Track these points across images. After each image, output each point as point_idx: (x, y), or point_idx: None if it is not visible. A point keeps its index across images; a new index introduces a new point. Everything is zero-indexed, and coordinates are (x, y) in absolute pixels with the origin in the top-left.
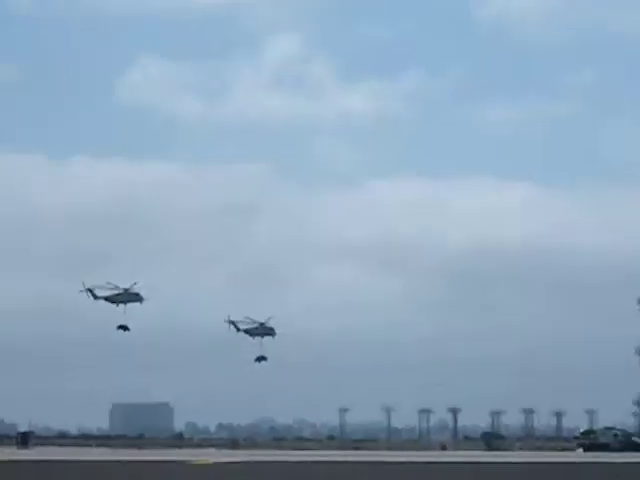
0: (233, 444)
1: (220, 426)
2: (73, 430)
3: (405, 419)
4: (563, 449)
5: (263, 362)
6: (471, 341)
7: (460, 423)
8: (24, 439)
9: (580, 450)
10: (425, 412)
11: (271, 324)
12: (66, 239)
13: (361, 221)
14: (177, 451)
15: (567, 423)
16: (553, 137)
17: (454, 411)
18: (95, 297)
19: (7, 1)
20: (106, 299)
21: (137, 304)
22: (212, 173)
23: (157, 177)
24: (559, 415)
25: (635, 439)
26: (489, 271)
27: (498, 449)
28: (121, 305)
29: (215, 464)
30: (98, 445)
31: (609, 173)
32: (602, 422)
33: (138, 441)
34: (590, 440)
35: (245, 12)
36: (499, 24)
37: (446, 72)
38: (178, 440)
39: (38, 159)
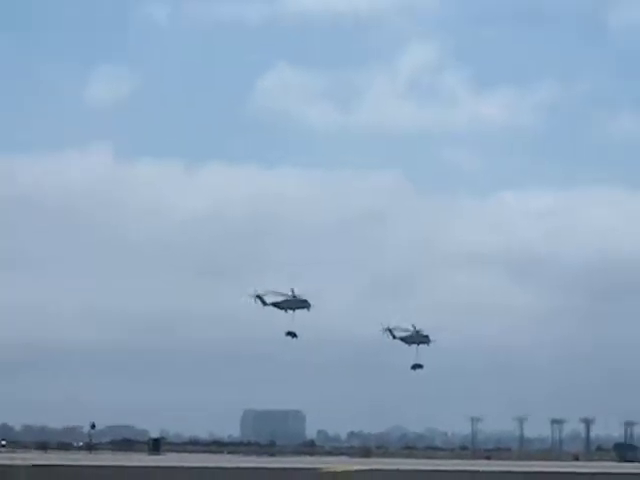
0: (365, 452)
1: (351, 434)
2: (204, 436)
3: (537, 429)
4: None
5: (419, 370)
6: (604, 351)
7: (593, 433)
8: (156, 445)
9: None
10: (558, 422)
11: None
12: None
13: (491, 230)
14: (309, 459)
15: None
16: None
17: (587, 421)
18: (264, 303)
19: (147, 13)
20: (275, 305)
21: (304, 310)
22: (346, 180)
23: (291, 183)
24: None
25: None
26: (621, 282)
27: (632, 461)
28: (289, 311)
29: (345, 472)
30: (229, 452)
31: None
32: None
33: (269, 448)
34: None
35: (379, 21)
36: (633, 34)
37: (579, 81)
38: (309, 447)
39: (174, 164)
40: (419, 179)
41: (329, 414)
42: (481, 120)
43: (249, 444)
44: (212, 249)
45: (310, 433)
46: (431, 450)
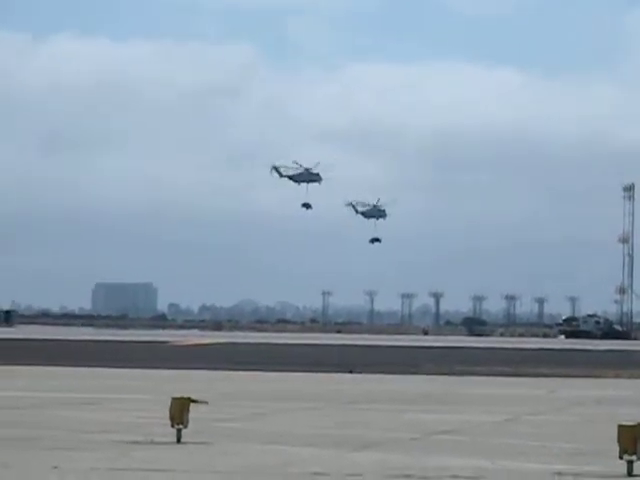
0: (216, 326)
1: (203, 308)
2: (55, 309)
3: (387, 303)
4: (544, 335)
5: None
6: (453, 225)
7: (442, 308)
8: (7, 317)
9: (562, 337)
10: (407, 297)
11: None
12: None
13: (339, 104)
14: (160, 332)
15: (549, 310)
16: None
17: (436, 296)
18: (280, 175)
19: None
20: (290, 178)
21: (316, 184)
22: (197, 54)
23: (141, 56)
24: (541, 302)
25: (616, 327)
26: (467, 156)
27: (479, 334)
28: (303, 184)
29: (196, 345)
30: (82, 325)
31: (594, 63)
32: (584, 310)
33: (121, 321)
34: (572, 327)
35: None
36: None
37: None
38: (161, 321)
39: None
40: (271, 54)
41: (181, 287)
42: None
43: (101, 317)
44: (56, 123)
45: (162, 307)
46: (282, 323)
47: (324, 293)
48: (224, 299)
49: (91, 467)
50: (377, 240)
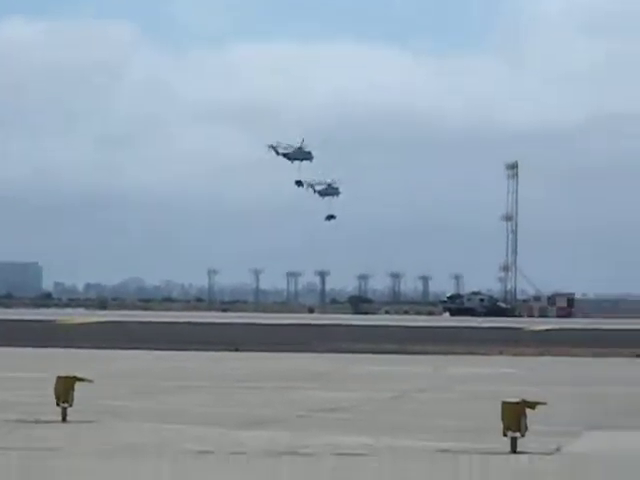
0: (101, 304)
1: (88, 286)
2: None
3: (273, 282)
4: (429, 313)
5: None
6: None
7: (328, 286)
8: None
9: (446, 314)
10: (293, 275)
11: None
12: None
13: (226, 83)
14: (45, 310)
15: (434, 288)
16: None
17: (322, 274)
18: (277, 153)
19: None
20: (285, 156)
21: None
22: (78, 31)
23: (19, 31)
24: (425, 280)
25: (500, 304)
26: (351, 136)
27: (365, 312)
28: (296, 162)
29: (82, 324)
30: None
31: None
32: (468, 287)
33: (6, 300)
34: (456, 305)
35: None
36: None
37: None
38: (46, 300)
39: None
40: (153, 31)
41: (66, 266)
42: None
43: None
44: None
45: (47, 286)
46: (168, 302)
47: (209, 271)
48: (109, 277)
49: None
50: (332, 217)
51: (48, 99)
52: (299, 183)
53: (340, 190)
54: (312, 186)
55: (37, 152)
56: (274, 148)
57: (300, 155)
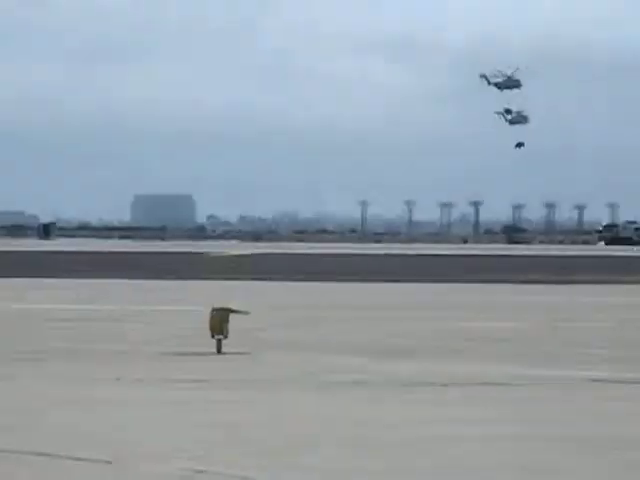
0: (255, 237)
1: (242, 219)
2: (95, 222)
3: (427, 213)
4: (584, 242)
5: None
6: (493, 129)
7: (481, 217)
8: (47, 230)
9: (602, 244)
10: (447, 206)
11: None
12: None
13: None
14: (200, 243)
15: (589, 217)
16: None
17: (475, 204)
18: (489, 83)
19: None
20: (496, 85)
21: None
22: None
23: None
24: (581, 209)
25: None
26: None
27: (519, 242)
28: (506, 91)
29: (235, 256)
30: (121, 237)
31: None
32: (624, 216)
33: (160, 233)
34: (612, 234)
35: None
36: None
37: None
38: (200, 232)
39: None
40: None
41: (219, 199)
42: None
43: (139, 229)
44: None
45: (201, 218)
46: (321, 234)
47: (362, 203)
48: (263, 210)
49: (137, 378)
50: (522, 145)
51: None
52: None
53: (529, 119)
54: (509, 113)
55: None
56: (486, 77)
57: (510, 83)
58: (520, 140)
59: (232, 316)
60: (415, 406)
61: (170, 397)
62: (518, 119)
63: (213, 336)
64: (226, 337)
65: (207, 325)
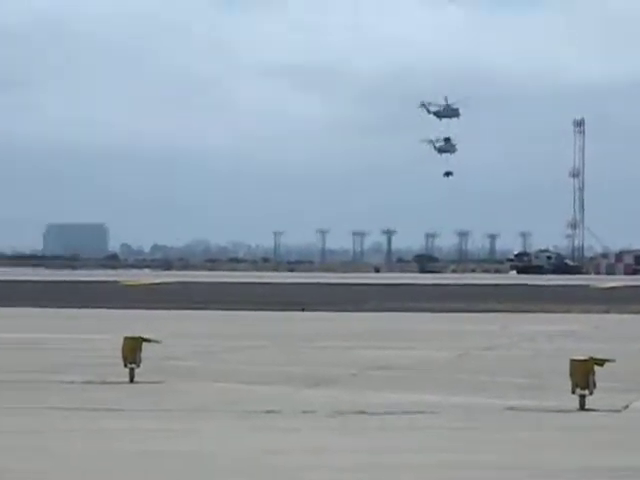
0: (167, 265)
1: (155, 247)
2: (7, 251)
3: (339, 241)
4: (496, 271)
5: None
6: (395, 160)
7: (394, 246)
8: None
9: (513, 272)
10: (359, 234)
11: None
12: None
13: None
14: (111, 272)
15: (501, 246)
16: None
17: (388, 233)
18: (429, 112)
19: None
20: (435, 114)
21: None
22: None
23: None
24: (493, 238)
25: (567, 261)
26: (415, 93)
27: (432, 271)
28: (444, 120)
29: (147, 284)
30: (33, 266)
31: None
32: (535, 245)
33: (72, 262)
34: (523, 262)
35: None
36: None
37: None
38: (113, 261)
39: None
40: None
41: (132, 228)
42: None
43: (52, 258)
44: None
45: (114, 247)
46: (234, 262)
47: (275, 233)
48: (176, 239)
49: (49, 406)
50: (450, 174)
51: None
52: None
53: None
54: (433, 143)
55: (99, 114)
56: (426, 106)
57: (449, 112)
58: (448, 169)
59: (144, 345)
60: (318, 433)
61: (82, 425)
62: (447, 148)
63: (126, 365)
64: (139, 366)
65: (119, 354)
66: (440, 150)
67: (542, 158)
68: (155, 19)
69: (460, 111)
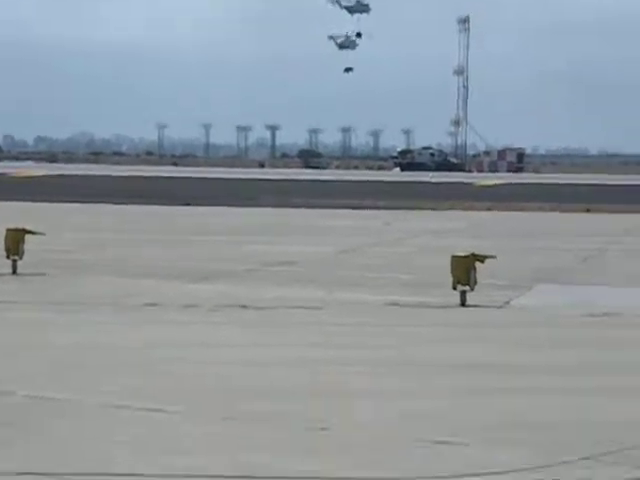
0: (51, 158)
1: (38, 139)
2: None
3: (223, 136)
4: (380, 168)
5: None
6: (297, 54)
7: (278, 141)
8: None
9: (397, 169)
10: (244, 129)
11: None
12: None
13: None
14: None
15: (384, 143)
16: None
17: (273, 128)
18: (341, 7)
19: None
20: (347, 9)
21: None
22: None
23: None
24: (376, 134)
25: (450, 159)
26: None
27: (315, 167)
28: (355, 15)
29: (30, 177)
30: None
31: None
32: (419, 142)
33: None
34: (407, 159)
35: None
36: None
37: None
38: None
39: None
40: None
41: (15, 119)
42: None
43: None
44: None
45: None
46: (117, 156)
47: (159, 126)
48: (60, 131)
49: None
50: (350, 70)
51: None
52: (358, 35)
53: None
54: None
55: None
56: (337, 1)
57: (360, 8)
58: (348, 65)
59: (27, 237)
60: (210, 327)
61: None
62: (347, 44)
63: (8, 257)
64: (21, 258)
65: (2, 245)
66: (341, 46)
67: (426, 56)
68: None
69: (370, 7)
